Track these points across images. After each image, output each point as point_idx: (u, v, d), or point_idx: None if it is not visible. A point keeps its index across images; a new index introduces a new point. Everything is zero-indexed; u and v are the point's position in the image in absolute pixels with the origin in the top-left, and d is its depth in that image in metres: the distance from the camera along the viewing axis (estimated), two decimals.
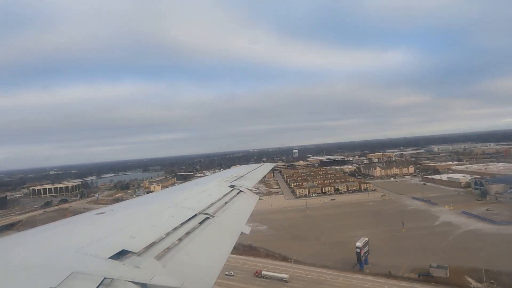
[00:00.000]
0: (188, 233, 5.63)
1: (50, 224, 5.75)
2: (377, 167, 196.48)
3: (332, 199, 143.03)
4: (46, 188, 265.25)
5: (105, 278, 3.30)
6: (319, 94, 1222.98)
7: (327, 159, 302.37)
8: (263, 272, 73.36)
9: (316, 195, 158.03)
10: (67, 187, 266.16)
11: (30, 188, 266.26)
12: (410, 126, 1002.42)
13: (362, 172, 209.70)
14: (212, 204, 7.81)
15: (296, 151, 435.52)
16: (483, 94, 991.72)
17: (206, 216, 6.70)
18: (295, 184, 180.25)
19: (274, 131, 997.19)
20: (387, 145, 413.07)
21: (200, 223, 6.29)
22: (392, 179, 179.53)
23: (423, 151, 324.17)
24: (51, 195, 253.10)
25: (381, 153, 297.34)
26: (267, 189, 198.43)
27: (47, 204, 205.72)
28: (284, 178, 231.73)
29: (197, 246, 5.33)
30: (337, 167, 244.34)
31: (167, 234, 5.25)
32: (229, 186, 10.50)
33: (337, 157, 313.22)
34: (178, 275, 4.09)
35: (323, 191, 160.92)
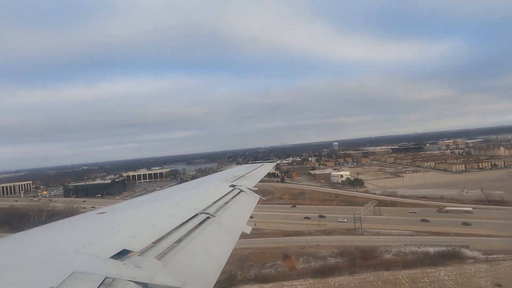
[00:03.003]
0: (188, 233, 5.58)
1: (50, 224, 5.73)
2: (501, 147, 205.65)
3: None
4: (140, 174, 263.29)
5: (106, 277, 3.31)
6: (347, 88, 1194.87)
7: (400, 146, 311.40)
8: (446, 208, 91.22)
9: (475, 170, 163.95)
10: (161, 173, 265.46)
11: (125, 174, 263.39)
12: (419, 122, 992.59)
13: (472, 153, 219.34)
14: (213, 203, 7.78)
15: (337, 143, 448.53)
16: (496, 89, 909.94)
17: (207, 215, 6.65)
18: (437, 162, 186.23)
19: (287, 128, 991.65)
20: (414, 139, 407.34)
21: (201, 222, 6.24)
22: None
23: (480, 140, 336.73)
24: (145, 181, 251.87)
25: (451, 140, 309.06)
26: (396, 169, 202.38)
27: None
28: (388, 161, 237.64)
29: (197, 246, 5.30)
30: (432, 152, 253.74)
31: (168, 233, 5.22)
32: (229, 186, 10.49)
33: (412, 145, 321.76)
34: (179, 275, 4.11)
35: (480, 166, 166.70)
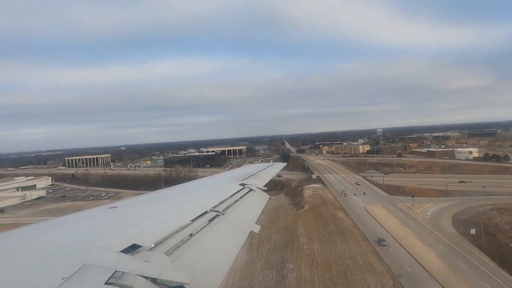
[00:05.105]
0: (198, 230, 5.55)
1: (63, 217, 5.77)
2: None
3: None
4: (220, 151, 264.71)
5: (116, 271, 3.34)
6: (388, 75, 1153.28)
7: (470, 132, 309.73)
8: None
9: None
10: (240, 150, 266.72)
11: (204, 150, 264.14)
12: (446, 112, 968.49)
13: None
14: (222, 201, 7.71)
15: (381, 130, 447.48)
16: None
17: (216, 213, 6.61)
18: None
19: (315, 115, 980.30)
20: (439, 130, 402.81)
21: (210, 220, 6.21)
22: None
23: None
24: (224, 157, 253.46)
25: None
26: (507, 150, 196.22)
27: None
28: (479, 144, 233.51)
29: (206, 243, 5.28)
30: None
31: (178, 230, 5.20)
32: (239, 185, 10.38)
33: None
34: (187, 271, 4.08)
35: None
